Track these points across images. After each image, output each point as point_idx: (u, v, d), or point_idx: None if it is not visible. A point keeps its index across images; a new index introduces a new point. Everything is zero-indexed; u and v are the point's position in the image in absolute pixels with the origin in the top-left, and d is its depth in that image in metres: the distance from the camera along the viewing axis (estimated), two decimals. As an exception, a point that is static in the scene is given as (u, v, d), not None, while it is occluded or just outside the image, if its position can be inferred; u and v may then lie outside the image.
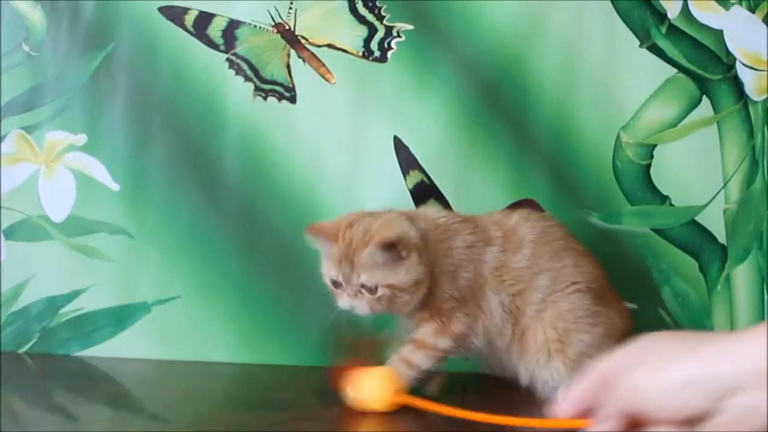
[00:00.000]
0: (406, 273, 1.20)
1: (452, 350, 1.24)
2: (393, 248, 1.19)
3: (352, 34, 1.46)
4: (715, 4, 1.45)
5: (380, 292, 1.20)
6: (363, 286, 1.20)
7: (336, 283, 1.22)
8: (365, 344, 1.26)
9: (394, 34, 1.46)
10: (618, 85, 1.45)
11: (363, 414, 1.16)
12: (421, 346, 1.23)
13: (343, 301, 1.22)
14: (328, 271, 1.23)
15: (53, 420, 1.14)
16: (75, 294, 1.47)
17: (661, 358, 0.72)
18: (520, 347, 1.27)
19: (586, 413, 0.78)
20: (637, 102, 1.45)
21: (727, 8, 1.45)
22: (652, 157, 1.46)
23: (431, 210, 1.33)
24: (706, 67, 1.45)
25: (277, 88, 1.47)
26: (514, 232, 1.28)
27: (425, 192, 1.46)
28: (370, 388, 1.17)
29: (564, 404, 0.80)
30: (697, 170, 1.46)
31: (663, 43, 1.45)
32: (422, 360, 1.23)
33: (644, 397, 0.72)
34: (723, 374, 0.68)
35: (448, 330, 1.24)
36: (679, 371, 0.70)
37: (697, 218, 1.46)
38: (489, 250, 1.26)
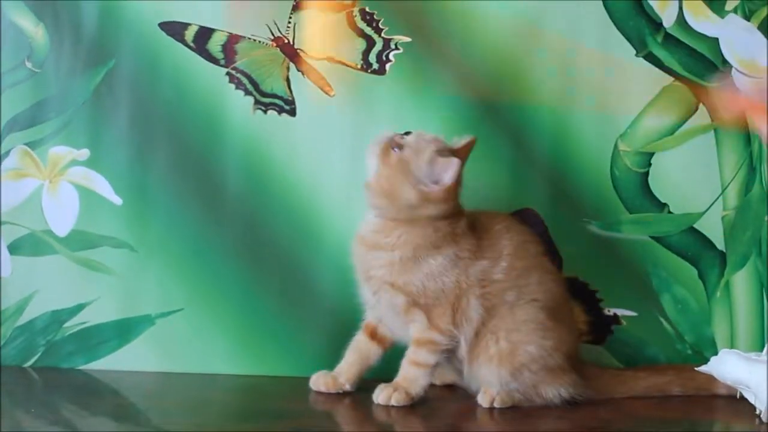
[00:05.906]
0: None
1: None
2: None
3: (350, 47, 1.48)
4: (710, 12, 1.46)
5: None
6: None
7: None
8: None
9: (392, 46, 1.47)
10: (615, 95, 1.47)
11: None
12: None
13: None
14: None
15: (59, 434, 1.15)
16: (79, 308, 1.48)
17: None
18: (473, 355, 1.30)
19: None
20: (635, 111, 1.47)
21: (722, 16, 1.46)
22: (650, 165, 1.47)
23: None
24: (703, 75, 1.46)
25: (277, 101, 1.48)
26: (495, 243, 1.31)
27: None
28: None
29: None
30: (695, 178, 1.47)
31: (659, 52, 1.46)
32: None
33: None
34: None
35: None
36: None
37: (696, 225, 1.47)
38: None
